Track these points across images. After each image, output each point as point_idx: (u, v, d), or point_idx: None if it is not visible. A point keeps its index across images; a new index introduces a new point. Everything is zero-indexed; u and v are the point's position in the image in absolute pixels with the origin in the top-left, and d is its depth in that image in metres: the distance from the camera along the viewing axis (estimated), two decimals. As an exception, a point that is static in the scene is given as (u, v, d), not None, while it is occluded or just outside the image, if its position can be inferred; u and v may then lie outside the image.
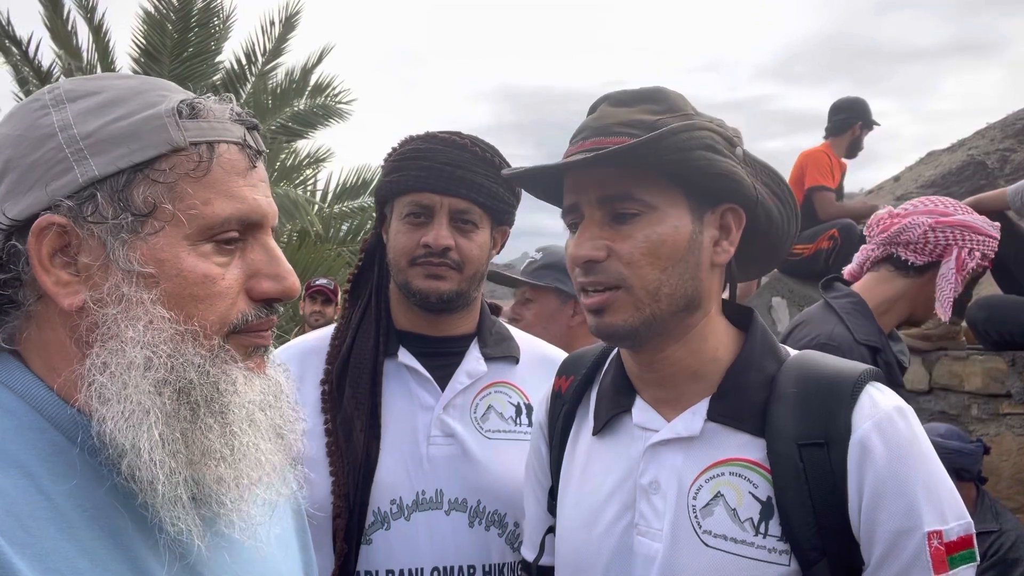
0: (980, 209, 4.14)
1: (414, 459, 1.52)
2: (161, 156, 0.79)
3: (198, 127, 0.81)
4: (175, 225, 0.79)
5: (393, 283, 1.63)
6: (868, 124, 5.61)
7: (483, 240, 1.58)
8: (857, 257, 2.41)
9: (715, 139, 1.06)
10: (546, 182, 1.18)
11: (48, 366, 0.82)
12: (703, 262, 1.10)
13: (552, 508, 1.31)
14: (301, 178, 10.96)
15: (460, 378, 1.58)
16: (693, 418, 1.11)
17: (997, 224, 2.27)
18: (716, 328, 1.15)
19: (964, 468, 3.18)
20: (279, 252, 0.88)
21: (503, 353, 1.64)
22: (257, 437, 0.84)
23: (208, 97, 0.86)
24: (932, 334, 4.35)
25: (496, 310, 1.76)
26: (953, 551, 0.98)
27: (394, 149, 1.61)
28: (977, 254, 2.19)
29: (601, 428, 1.21)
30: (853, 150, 5.66)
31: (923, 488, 0.99)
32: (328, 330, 1.69)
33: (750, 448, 1.07)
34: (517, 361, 1.65)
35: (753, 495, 1.05)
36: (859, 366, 1.09)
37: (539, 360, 1.69)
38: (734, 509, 1.05)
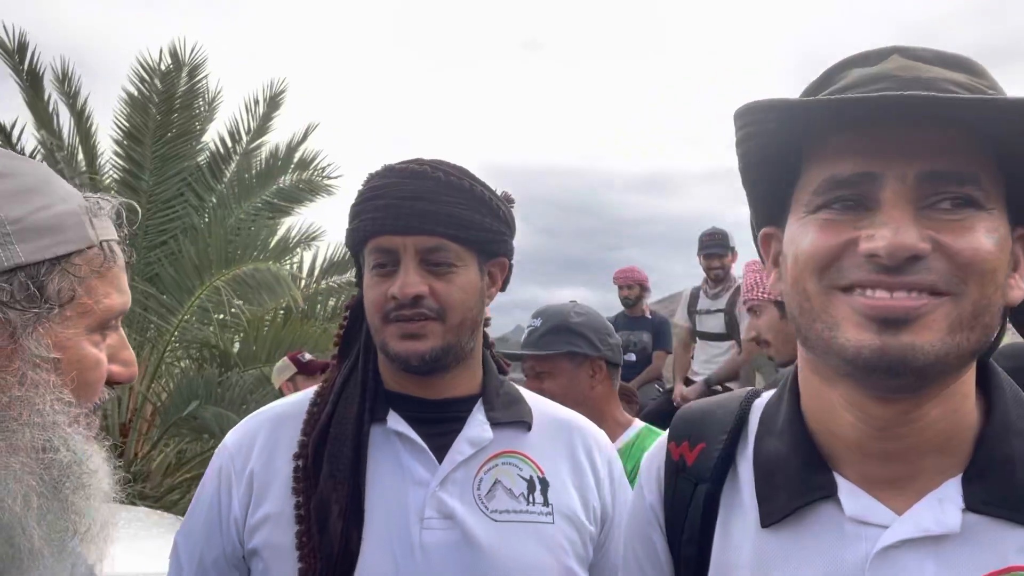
0: None
1: (404, 548, 1.25)
2: (78, 251, 0.84)
3: (102, 226, 0.89)
4: (81, 316, 0.85)
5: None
6: None
7: (467, 281, 1.32)
8: None
9: None
10: (787, 137, 0.81)
11: None
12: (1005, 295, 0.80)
13: None
14: (290, 257, 10.81)
15: (461, 447, 1.32)
16: (944, 507, 0.80)
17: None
18: (971, 384, 0.84)
19: None
20: (125, 337, 0.96)
21: (513, 418, 1.38)
22: (108, 514, 0.87)
23: (102, 197, 0.92)
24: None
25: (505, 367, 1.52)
26: None
27: (359, 191, 1.38)
28: None
29: (780, 519, 0.87)
30: None
31: None
32: (308, 393, 1.42)
33: None
34: (529, 427, 1.39)
35: None
36: None
37: (555, 426, 1.43)
38: None
